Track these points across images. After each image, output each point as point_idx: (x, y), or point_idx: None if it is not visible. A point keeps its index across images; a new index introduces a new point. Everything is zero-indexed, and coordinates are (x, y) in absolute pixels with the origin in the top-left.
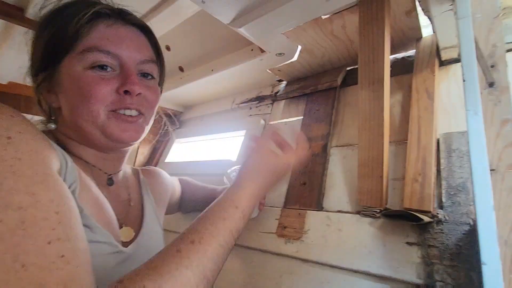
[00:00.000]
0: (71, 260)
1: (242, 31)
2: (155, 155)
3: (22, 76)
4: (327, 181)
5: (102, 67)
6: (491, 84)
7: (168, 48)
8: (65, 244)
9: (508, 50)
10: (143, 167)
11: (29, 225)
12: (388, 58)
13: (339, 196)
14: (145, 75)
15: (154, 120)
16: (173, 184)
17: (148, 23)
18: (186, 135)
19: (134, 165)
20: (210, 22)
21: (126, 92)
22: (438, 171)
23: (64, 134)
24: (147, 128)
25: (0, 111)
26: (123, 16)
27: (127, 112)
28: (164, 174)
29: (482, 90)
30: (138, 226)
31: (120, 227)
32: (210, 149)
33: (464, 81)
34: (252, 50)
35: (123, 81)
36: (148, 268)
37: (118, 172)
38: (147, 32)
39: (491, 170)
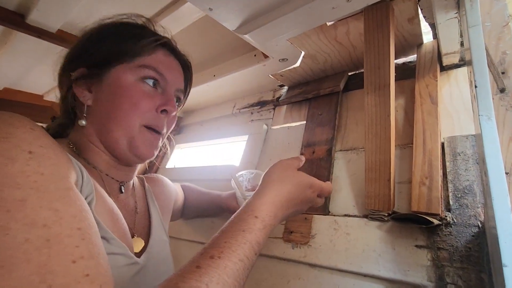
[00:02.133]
0: (95, 278)
1: (247, 37)
2: (156, 161)
3: (18, 83)
4: (333, 185)
5: (154, 83)
6: (502, 90)
7: None
8: (89, 262)
9: None
10: (146, 175)
11: (54, 243)
12: (393, 63)
13: (346, 200)
14: (177, 100)
15: None
16: (176, 191)
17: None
18: (186, 140)
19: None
20: (213, 28)
21: (163, 111)
22: (444, 174)
23: (85, 136)
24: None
25: (21, 124)
26: (176, 52)
27: (158, 129)
28: (167, 181)
29: (493, 96)
30: (146, 235)
31: (132, 237)
32: (212, 154)
33: (476, 87)
34: (255, 55)
35: (164, 102)
36: (168, 286)
37: (129, 180)
38: (187, 68)
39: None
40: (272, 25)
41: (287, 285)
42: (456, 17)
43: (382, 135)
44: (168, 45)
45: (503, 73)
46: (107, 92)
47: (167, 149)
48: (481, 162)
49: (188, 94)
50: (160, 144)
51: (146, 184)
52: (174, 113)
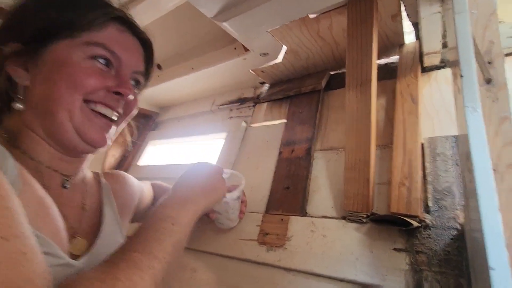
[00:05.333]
0: (33, 257)
1: (226, 26)
2: (127, 158)
3: None
4: (311, 185)
5: (106, 62)
6: (488, 81)
7: None
8: (24, 241)
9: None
10: (106, 171)
11: None
12: (376, 59)
13: (324, 200)
14: (135, 83)
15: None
16: (141, 189)
17: None
18: (161, 137)
19: (103, 168)
20: (191, 17)
21: (117, 93)
22: (424, 175)
23: (23, 122)
24: (115, 135)
25: None
26: (134, 28)
27: (108, 113)
28: (131, 178)
29: (479, 87)
30: (94, 235)
31: (73, 237)
32: (188, 152)
33: (461, 76)
34: (235, 48)
35: (118, 83)
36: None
37: (76, 175)
38: (148, 47)
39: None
40: (252, 13)
41: None
42: (439, 12)
43: (362, 133)
44: (123, 19)
45: (489, 63)
46: (46, 71)
47: (143, 133)
48: (464, 158)
49: (150, 77)
50: (113, 130)
51: (102, 180)
52: (131, 97)
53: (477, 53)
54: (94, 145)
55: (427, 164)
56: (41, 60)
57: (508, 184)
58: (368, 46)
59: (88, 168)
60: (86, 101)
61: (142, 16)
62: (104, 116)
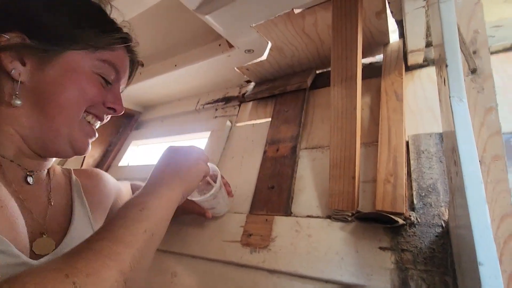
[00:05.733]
0: None
1: (209, 19)
2: (107, 158)
3: None
4: (296, 185)
5: (107, 81)
6: (473, 71)
7: None
8: None
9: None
10: (79, 168)
11: None
12: (360, 54)
13: (309, 200)
14: None
15: (110, 120)
16: (118, 188)
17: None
18: (144, 136)
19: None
20: (175, 13)
21: (110, 108)
22: (409, 172)
23: (1, 116)
24: None
25: None
26: (134, 53)
27: (97, 124)
28: (107, 177)
29: (464, 77)
30: (63, 234)
31: (40, 235)
32: None
33: (446, 66)
34: (219, 45)
35: (113, 100)
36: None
37: (41, 170)
38: (134, 67)
39: None
40: (236, 5)
41: None
42: (423, 6)
43: (347, 129)
44: (129, 45)
45: (474, 52)
46: (56, 74)
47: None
48: (450, 152)
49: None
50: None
51: (73, 177)
52: (121, 113)
53: (462, 43)
54: (80, 153)
55: (412, 161)
56: (51, 62)
57: (494, 176)
58: (353, 41)
59: (56, 164)
60: (85, 111)
61: (123, 10)
62: (89, 124)
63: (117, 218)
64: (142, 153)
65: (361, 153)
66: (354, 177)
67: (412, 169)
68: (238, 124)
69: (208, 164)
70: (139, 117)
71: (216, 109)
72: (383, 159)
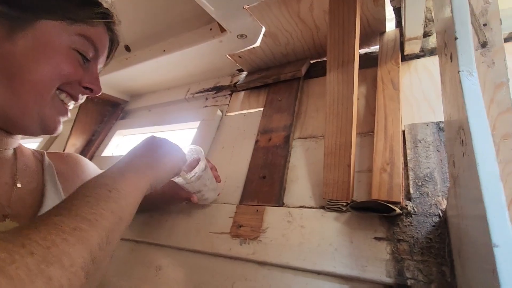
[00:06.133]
0: None
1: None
2: (90, 148)
3: None
4: (289, 175)
5: (85, 59)
6: (483, 44)
7: None
8: None
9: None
10: (52, 151)
11: None
12: (358, 38)
13: (302, 190)
14: None
15: (94, 108)
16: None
17: None
18: (130, 126)
19: None
20: None
21: (87, 88)
22: (405, 161)
23: None
24: None
25: None
26: (114, 31)
27: (71, 104)
28: (86, 162)
29: (476, 50)
30: (29, 218)
31: (3, 218)
32: None
33: (456, 38)
34: (211, 29)
35: (91, 80)
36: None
37: (6, 148)
38: (114, 47)
39: None
40: None
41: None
42: None
43: (343, 116)
44: (110, 20)
45: (484, 25)
46: (29, 45)
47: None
48: (454, 133)
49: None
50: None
51: (46, 159)
52: (99, 94)
53: (472, 14)
54: (49, 132)
55: (408, 151)
56: (23, 31)
57: (504, 156)
58: (350, 25)
59: (25, 145)
60: (58, 88)
61: None
62: (63, 102)
63: (80, 196)
64: (128, 143)
65: (357, 143)
66: (349, 165)
67: (408, 158)
68: (229, 114)
69: (191, 146)
70: (125, 106)
71: (207, 98)
72: (379, 148)
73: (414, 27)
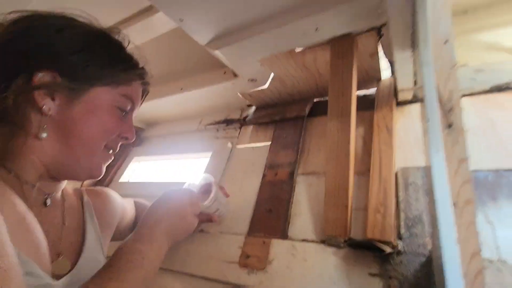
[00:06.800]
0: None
1: (218, 53)
2: (109, 174)
3: None
4: (293, 209)
5: (124, 113)
6: (449, 126)
7: None
8: (6, 259)
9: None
10: (88, 187)
11: None
12: (355, 93)
13: (305, 224)
14: None
15: None
16: (123, 207)
17: (118, 35)
18: (146, 153)
19: (82, 184)
20: (184, 39)
21: (124, 138)
22: (397, 203)
23: (27, 146)
24: None
25: None
26: (147, 84)
27: (112, 151)
28: (114, 195)
29: (442, 130)
30: (76, 254)
31: (57, 256)
32: (172, 170)
33: (428, 121)
34: (225, 73)
35: (127, 129)
36: None
37: (57, 192)
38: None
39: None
40: (244, 43)
41: None
42: (411, 56)
43: (342, 160)
44: (144, 78)
45: (450, 110)
46: (82, 109)
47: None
48: (431, 193)
49: None
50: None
51: (85, 197)
52: (132, 140)
53: (441, 100)
54: (95, 177)
55: (400, 193)
56: (78, 98)
57: (467, 219)
58: (348, 80)
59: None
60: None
61: (135, 36)
62: (108, 151)
63: (122, 260)
64: (144, 169)
65: (354, 182)
66: (347, 206)
67: (400, 200)
68: (238, 146)
69: (203, 175)
70: (141, 133)
71: (218, 130)
72: (374, 190)
73: (404, 80)
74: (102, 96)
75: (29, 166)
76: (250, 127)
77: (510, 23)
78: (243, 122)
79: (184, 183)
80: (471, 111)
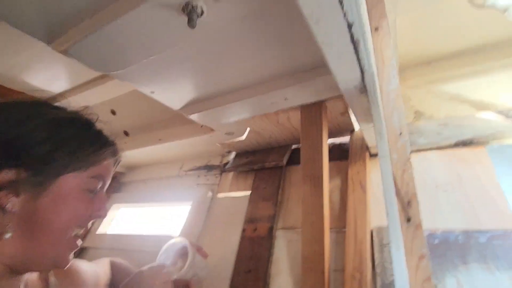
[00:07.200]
0: None
1: (193, 117)
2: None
3: None
4: (272, 268)
5: (94, 192)
6: (408, 220)
7: (113, 112)
8: None
9: (418, 150)
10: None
11: None
12: (326, 157)
13: (285, 285)
14: None
15: None
16: (96, 276)
17: (94, 89)
18: (126, 200)
19: None
20: None
21: (96, 216)
22: (373, 266)
23: None
24: None
25: None
26: (119, 156)
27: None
28: (84, 268)
29: (402, 224)
30: None
31: None
32: (152, 219)
33: (387, 215)
34: (201, 126)
35: (98, 207)
36: None
37: (20, 286)
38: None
39: None
40: (217, 110)
41: None
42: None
43: (316, 225)
44: (117, 155)
45: (408, 203)
46: (48, 201)
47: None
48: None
49: None
50: None
51: (51, 278)
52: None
53: (398, 192)
54: (61, 267)
55: (376, 254)
56: (45, 189)
57: None
58: (319, 146)
59: None
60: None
61: (111, 90)
62: (74, 237)
63: None
64: (123, 217)
65: (332, 240)
66: (323, 272)
67: (376, 263)
68: (219, 195)
69: (177, 238)
70: (121, 178)
71: (199, 176)
72: (350, 252)
73: (371, 139)
74: (70, 183)
75: None
76: (231, 174)
77: (471, 75)
78: (223, 168)
79: (163, 236)
80: (440, 166)
